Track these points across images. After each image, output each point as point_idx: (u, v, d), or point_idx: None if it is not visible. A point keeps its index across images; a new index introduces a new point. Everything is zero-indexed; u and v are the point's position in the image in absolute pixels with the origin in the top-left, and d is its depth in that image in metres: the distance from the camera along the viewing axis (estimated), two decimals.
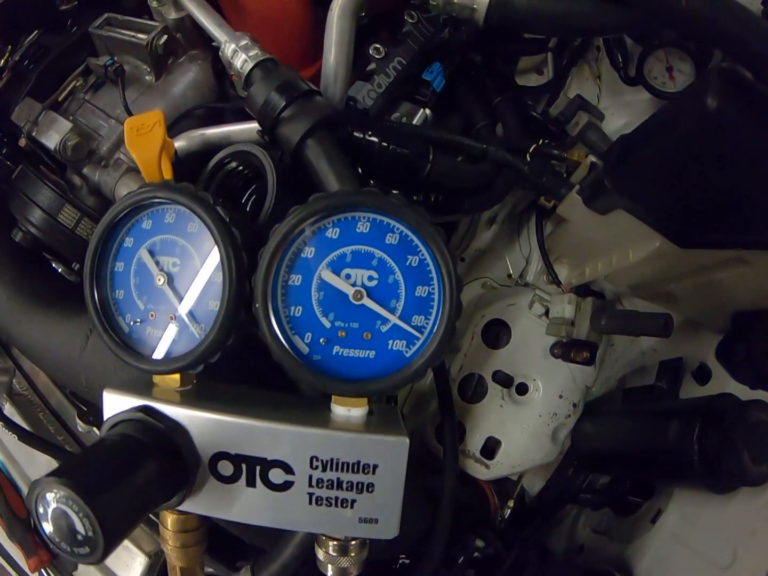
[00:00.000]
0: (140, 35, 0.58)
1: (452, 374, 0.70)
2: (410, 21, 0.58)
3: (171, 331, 0.36)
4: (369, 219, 0.33)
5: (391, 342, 0.33)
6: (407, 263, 0.33)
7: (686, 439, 0.51)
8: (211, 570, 0.59)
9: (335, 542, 0.37)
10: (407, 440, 0.33)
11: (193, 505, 0.35)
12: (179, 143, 0.54)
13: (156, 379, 0.37)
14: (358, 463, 0.33)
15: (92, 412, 0.65)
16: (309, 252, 0.34)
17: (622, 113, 0.70)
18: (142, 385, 0.37)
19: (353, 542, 0.37)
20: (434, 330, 0.33)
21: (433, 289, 0.33)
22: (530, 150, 0.56)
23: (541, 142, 0.56)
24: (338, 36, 0.46)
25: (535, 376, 0.69)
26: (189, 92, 0.60)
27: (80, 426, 0.63)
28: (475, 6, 0.43)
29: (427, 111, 0.59)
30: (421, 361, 0.33)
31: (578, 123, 0.65)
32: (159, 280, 0.36)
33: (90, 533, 0.26)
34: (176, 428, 0.33)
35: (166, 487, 0.33)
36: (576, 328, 0.64)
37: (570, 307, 0.63)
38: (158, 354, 0.36)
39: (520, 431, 0.69)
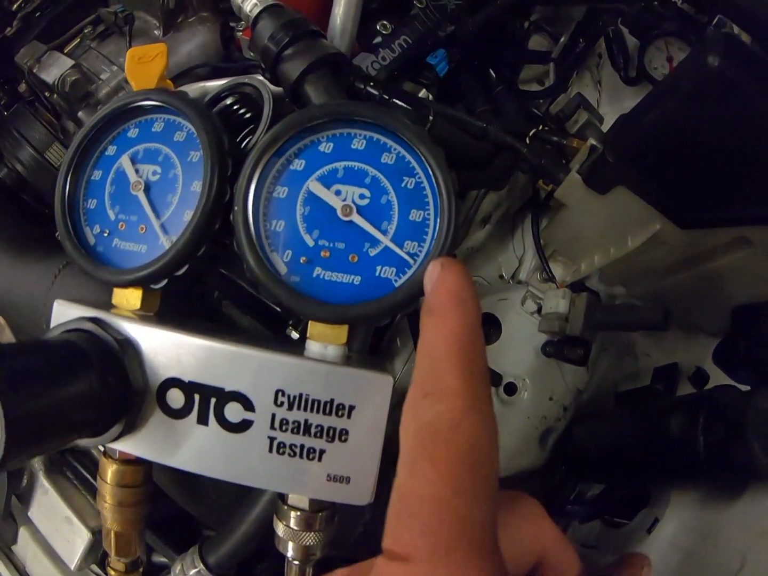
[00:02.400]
0: None
1: None
2: (419, 5, 0.56)
3: (140, 241, 0.30)
4: (365, 136, 0.29)
5: (379, 268, 0.28)
6: (402, 184, 0.29)
7: (691, 433, 0.45)
8: (159, 559, 0.51)
9: (298, 513, 0.30)
10: (391, 379, 0.27)
11: (132, 444, 0.29)
12: None
13: (116, 299, 0.32)
14: (332, 402, 0.27)
15: None
16: (299, 164, 0.29)
17: None
18: (104, 305, 0.32)
19: (320, 514, 0.30)
20: (427, 258, 0.28)
21: (428, 214, 0.28)
22: (530, 134, 0.52)
23: (541, 127, 0.53)
24: None
25: (524, 376, 0.64)
26: (195, 52, 0.56)
27: None
28: None
29: (430, 94, 0.56)
30: (411, 288, 0.27)
31: (577, 121, 0.62)
32: (136, 186, 0.31)
33: None
34: (126, 344, 0.28)
35: (101, 409, 0.26)
36: (570, 324, 0.59)
37: (564, 302, 0.58)
38: (123, 265, 0.30)
39: (507, 433, 0.63)
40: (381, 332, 0.65)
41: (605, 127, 0.67)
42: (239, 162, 0.29)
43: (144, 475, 0.33)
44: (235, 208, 0.28)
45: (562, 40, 0.72)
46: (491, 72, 0.60)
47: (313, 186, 0.28)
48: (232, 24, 0.60)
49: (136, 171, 0.32)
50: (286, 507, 0.31)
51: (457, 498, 0.17)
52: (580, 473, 0.62)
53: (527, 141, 0.53)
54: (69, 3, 0.60)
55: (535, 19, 0.75)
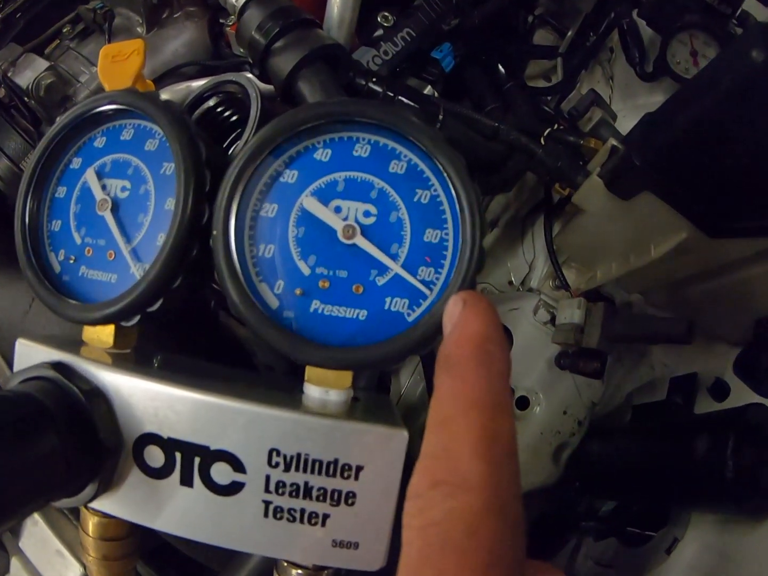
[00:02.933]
0: None
1: None
2: None
3: (109, 270, 0.25)
4: (370, 141, 0.24)
5: (389, 300, 0.23)
6: (415, 198, 0.23)
7: (719, 455, 0.41)
8: None
9: (299, 571, 0.25)
10: (406, 434, 0.22)
11: (111, 505, 0.24)
12: (163, 96, 0.44)
13: (87, 336, 0.27)
14: (336, 462, 0.22)
15: None
16: (291, 176, 0.24)
17: (634, 116, 0.62)
18: (73, 344, 0.27)
19: (324, 573, 0.26)
20: (447, 286, 0.23)
21: (446, 234, 0.23)
22: (544, 134, 0.47)
23: (556, 126, 0.48)
24: None
25: (537, 389, 0.59)
26: (181, 50, 0.51)
27: None
28: None
29: (435, 91, 0.51)
30: (428, 325, 0.22)
31: (591, 119, 0.57)
32: (102, 205, 0.26)
33: None
34: (95, 395, 0.23)
35: (71, 471, 0.22)
36: (585, 336, 0.55)
37: (579, 312, 0.53)
38: (89, 298, 0.26)
39: (520, 449, 0.58)
40: None
41: (618, 125, 0.62)
42: (220, 174, 0.24)
43: (129, 527, 0.28)
44: (214, 232, 0.23)
45: (569, 33, 0.67)
46: (500, 67, 0.55)
47: (308, 202, 0.23)
48: (221, 20, 0.54)
49: (103, 187, 0.26)
50: (285, 563, 0.26)
51: None
52: (596, 490, 0.58)
53: (542, 141, 0.48)
54: (46, 2, 0.55)
55: (540, 12, 0.70)
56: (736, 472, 0.40)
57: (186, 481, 0.23)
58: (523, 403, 0.60)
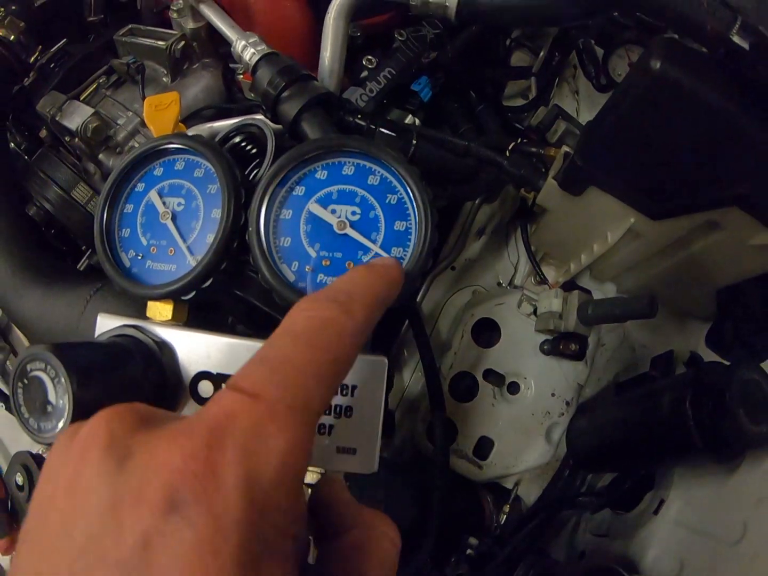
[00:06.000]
0: (159, 42, 0.64)
1: (443, 372, 0.72)
2: (400, 38, 0.65)
3: (170, 262, 0.39)
4: (354, 163, 0.38)
5: None
6: (387, 201, 0.37)
7: (680, 410, 0.51)
8: None
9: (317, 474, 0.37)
10: (385, 360, 0.35)
11: None
12: (188, 133, 0.59)
13: (150, 312, 0.40)
14: None
15: None
16: (300, 190, 0.38)
17: None
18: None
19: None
20: (410, 259, 0.36)
21: (410, 224, 0.37)
22: (509, 147, 0.61)
23: (519, 140, 0.62)
24: (333, 35, 0.53)
25: (526, 375, 0.71)
26: (200, 95, 0.66)
27: None
28: (447, 4, 0.49)
29: (416, 119, 0.65)
30: None
31: (557, 131, 0.71)
32: (164, 216, 0.39)
33: (61, 402, 0.28)
34: (162, 345, 0.36)
35: (144, 397, 0.34)
36: (564, 321, 0.66)
37: (557, 301, 0.66)
38: (155, 283, 0.39)
39: (513, 430, 0.70)
40: (388, 344, 0.73)
41: None
42: (250, 191, 0.38)
43: None
44: (250, 229, 0.36)
45: (541, 54, 0.82)
46: (472, 93, 0.69)
47: (313, 207, 0.37)
48: (232, 65, 0.70)
49: (164, 203, 0.40)
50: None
51: (315, 380, 0.22)
52: (585, 464, 0.68)
53: (507, 154, 0.62)
54: (81, 56, 0.70)
55: (516, 35, 0.85)
56: (696, 421, 0.49)
57: None
58: (514, 388, 0.72)
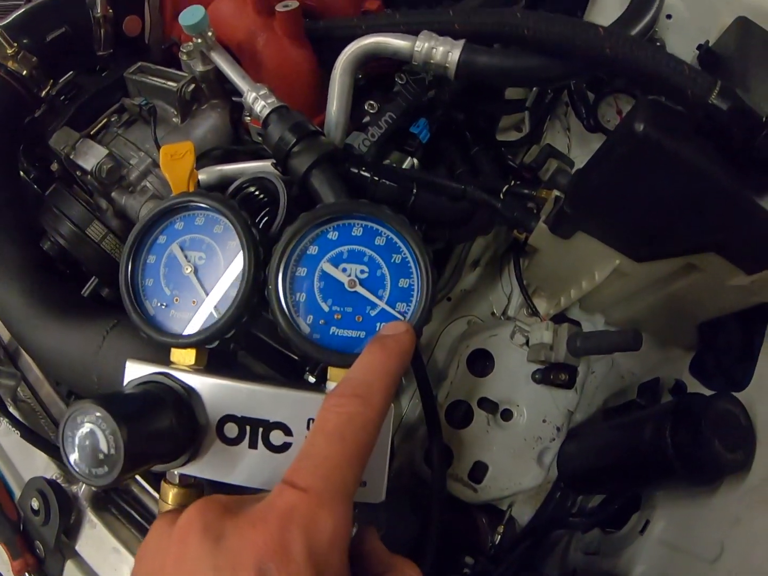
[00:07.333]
0: (170, 83, 0.69)
1: (439, 400, 0.77)
2: (400, 82, 0.71)
3: (193, 313, 0.44)
4: (362, 225, 0.43)
5: (378, 324, 0.42)
6: (392, 260, 0.42)
7: (660, 438, 0.55)
8: None
9: None
10: (392, 406, 0.40)
11: (196, 468, 0.41)
12: (200, 176, 0.64)
13: (174, 357, 0.45)
14: None
15: None
16: (313, 250, 0.43)
17: None
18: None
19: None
20: (414, 314, 0.41)
21: (413, 282, 0.42)
22: (503, 190, 0.67)
23: (512, 183, 0.67)
24: (339, 90, 0.58)
25: (519, 402, 0.76)
26: (209, 135, 0.71)
27: None
28: (447, 65, 0.55)
29: (415, 160, 0.70)
30: None
31: (549, 169, 0.77)
32: (186, 269, 0.44)
33: (113, 451, 0.33)
34: (190, 391, 0.40)
35: (178, 441, 0.39)
36: (554, 352, 0.72)
37: (548, 333, 0.72)
38: (179, 331, 0.44)
39: (507, 455, 0.75)
40: None
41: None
42: (268, 248, 0.43)
43: (201, 494, 0.45)
44: (269, 287, 0.41)
45: (534, 89, 0.88)
46: (467, 134, 0.75)
47: (325, 266, 0.42)
48: (235, 99, 0.74)
49: (186, 256, 0.45)
50: None
51: (348, 469, 0.31)
52: (575, 486, 0.74)
53: (501, 196, 0.67)
54: (93, 92, 0.75)
55: None
56: (675, 449, 0.54)
57: (253, 445, 0.40)
58: (507, 415, 0.77)
